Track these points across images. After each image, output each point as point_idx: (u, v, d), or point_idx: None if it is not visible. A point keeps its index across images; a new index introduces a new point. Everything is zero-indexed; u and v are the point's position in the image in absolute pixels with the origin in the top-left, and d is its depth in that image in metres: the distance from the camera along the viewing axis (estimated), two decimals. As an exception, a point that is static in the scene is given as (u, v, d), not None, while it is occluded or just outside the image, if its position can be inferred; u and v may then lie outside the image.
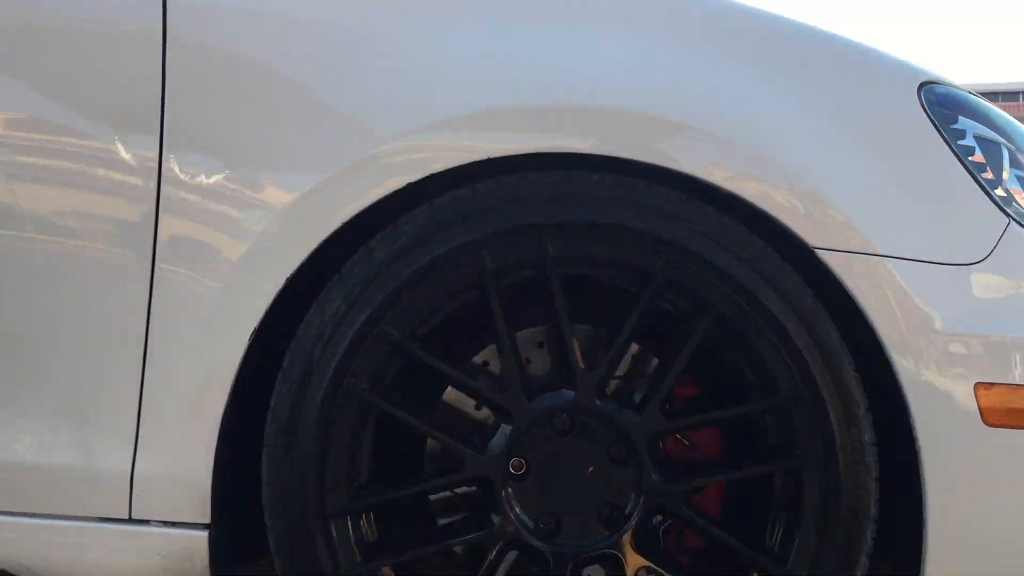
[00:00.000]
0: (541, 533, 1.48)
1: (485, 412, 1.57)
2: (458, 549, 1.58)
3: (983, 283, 1.47)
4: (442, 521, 1.62)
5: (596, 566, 1.52)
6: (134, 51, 1.42)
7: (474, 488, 1.53)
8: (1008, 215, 1.51)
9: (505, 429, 1.46)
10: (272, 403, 1.44)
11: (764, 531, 1.50)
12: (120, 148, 1.42)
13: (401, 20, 1.46)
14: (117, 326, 1.44)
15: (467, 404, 1.60)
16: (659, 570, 1.49)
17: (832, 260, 1.44)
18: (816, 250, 1.44)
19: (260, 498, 1.51)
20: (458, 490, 1.59)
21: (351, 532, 1.46)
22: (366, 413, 1.46)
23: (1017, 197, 1.55)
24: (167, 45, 1.42)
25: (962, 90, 1.66)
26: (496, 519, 1.47)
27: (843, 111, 1.52)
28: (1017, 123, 1.72)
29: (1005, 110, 1.74)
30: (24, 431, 1.46)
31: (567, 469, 1.48)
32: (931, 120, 1.53)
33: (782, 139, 1.46)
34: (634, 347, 1.59)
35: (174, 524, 1.48)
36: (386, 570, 1.48)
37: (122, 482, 1.47)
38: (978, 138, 1.55)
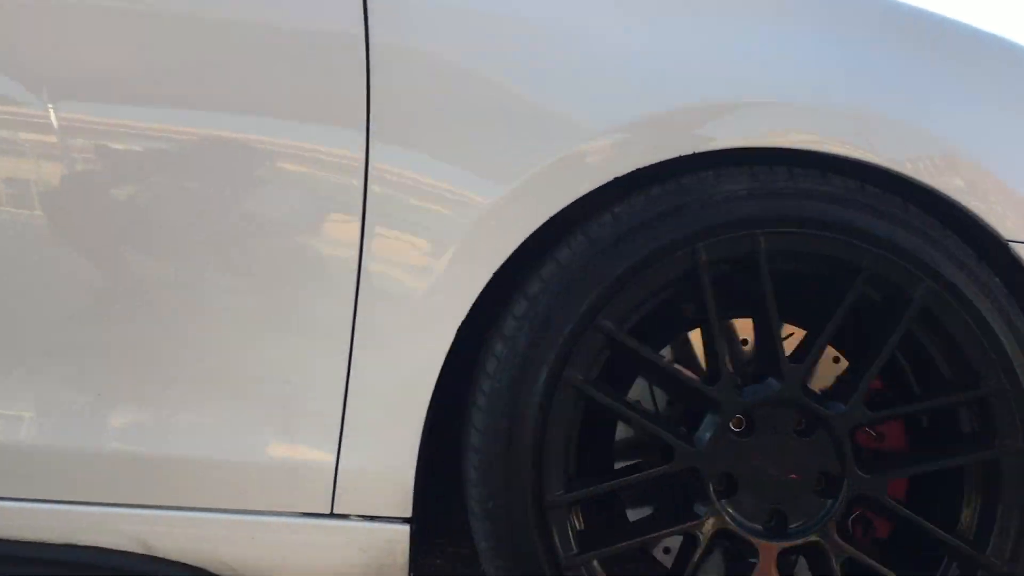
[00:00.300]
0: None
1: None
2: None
3: None
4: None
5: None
6: (338, 54, 1.43)
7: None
8: None
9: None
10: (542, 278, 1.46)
11: (953, 516, 1.54)
12: (327, 149, 1.43)
13: (602, 16, 1.48)
14: (323, 323, 1.45)
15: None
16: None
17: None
18: (1009, 243, 1.48)
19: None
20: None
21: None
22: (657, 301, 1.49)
23: None
24: (370, 48, 1.42)
25: None
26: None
27: (1015, 106, 1.55)
28: None
29: None
30: (229, 428, 1.47)
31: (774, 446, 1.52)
32: None
33: (973, 134, 1.50)
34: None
35: (374, 518, 1.50)
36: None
37: (326, 478, 1.48)
38: None
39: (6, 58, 1.42)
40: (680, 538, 1.58)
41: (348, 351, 1.45)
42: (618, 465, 1.63)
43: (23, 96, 1.42)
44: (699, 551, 1.50)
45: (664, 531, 1.53)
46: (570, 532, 1.49)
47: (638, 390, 1.63)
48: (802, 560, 1.58)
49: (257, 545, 1.51)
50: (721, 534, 1.51)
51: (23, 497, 1.47)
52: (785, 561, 1.54)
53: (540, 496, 1.46)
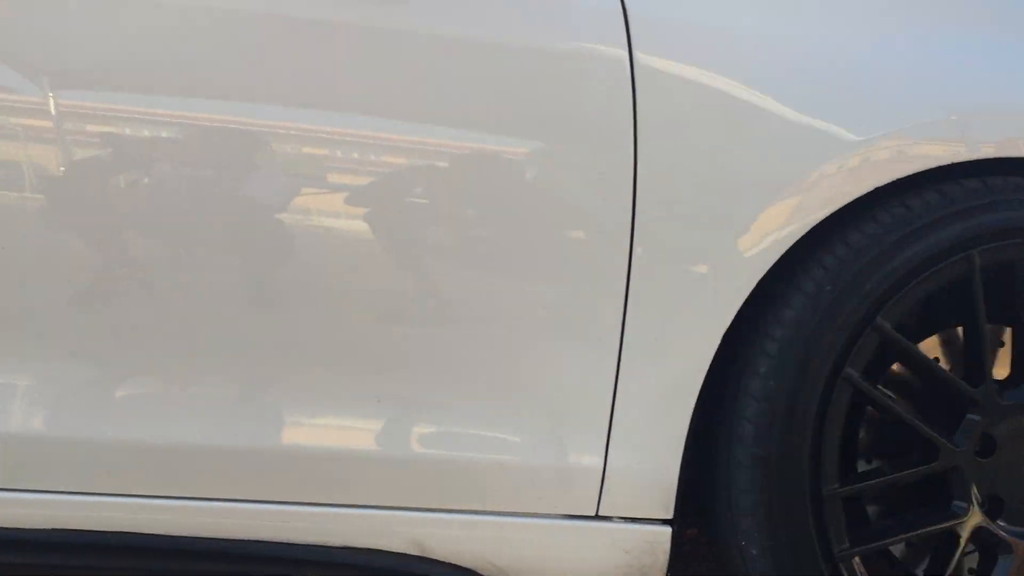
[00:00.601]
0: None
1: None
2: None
3: None
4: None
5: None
6: (605, 74, 1.49)
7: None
8: None
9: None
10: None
11: None
12: (596, 162, 1.50)
13: (860, 30, 1.56)
14: (594, 328, 1.51)
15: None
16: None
17: None
18: None
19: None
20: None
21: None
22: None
23: None
24: (635, 70, 1.49)
25: None
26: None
27: None
28: None
29: None
30: (500, 432, 1.53)
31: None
32: None
33: None
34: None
35: (635, 520, 1.55)
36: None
37: (593, 480, 1.53)
38: None
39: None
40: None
41: (617, 355, 1.51)
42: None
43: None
44: (960, 548, 1.55)
45: (930, 527, 1.58)
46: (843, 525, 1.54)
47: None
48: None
49: (523, 546, 1.56)
50: (978, 532, 1.56)
51: (304, 501, 1.52)
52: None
53: (818, 488, 1.52)
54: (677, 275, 1.50)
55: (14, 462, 1.50)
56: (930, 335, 1.67)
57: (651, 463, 1.53)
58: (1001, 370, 1.64)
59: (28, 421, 1.51)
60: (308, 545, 1.52)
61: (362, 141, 1.49)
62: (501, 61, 1.51)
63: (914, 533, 1.59)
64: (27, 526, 1.51)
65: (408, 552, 1.54)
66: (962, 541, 1.55)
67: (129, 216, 1.48)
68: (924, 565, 1.66)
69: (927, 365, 1.58)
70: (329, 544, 1.53)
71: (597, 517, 1.55)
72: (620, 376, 1.51)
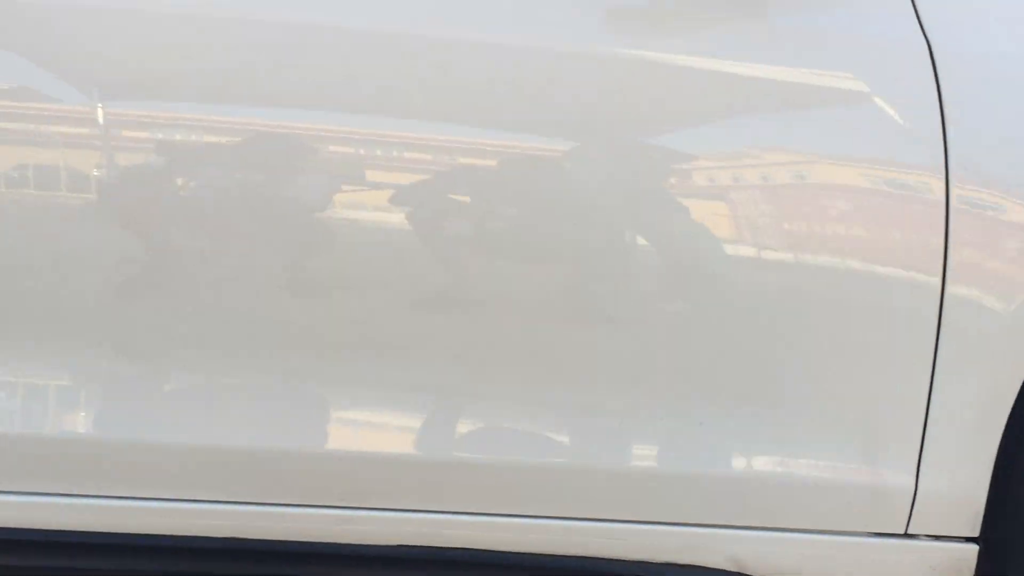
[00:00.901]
0: None
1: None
2: None
3: None
4: None
5: None
6: (914, 108, 1.56)
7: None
8: None
9: None
10: None
11: None
12: (909, 179, 1.56)
13: None
14: (906, 349, 1.56)
15: None
16: None
17: None
18: None
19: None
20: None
21: None
22: None
23: None
24: (944, 110, 1.54)
25: None
26: None
27: None
28: None
29: None
30: (817, 452, 1.59)
31: None
32: None
33: None
34: None
35: (943, 538, 1.60)
36: None
37: (904, 499, 1.58)
38: None
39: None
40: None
41: (930, 376, 1.56)
42: None
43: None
44: None
45: None
46: None
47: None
48: None
49: (833, 563, 1.61)
50: None
51: (632, 519, 1.59)
52: None
53: None
54: (992, 294, 1.55)
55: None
56: None
57: (962, 481, 1.58)
58: None
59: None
60: (634, 561, 1.59)
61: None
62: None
63: None
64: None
65: (726, 568, 1.59)
66: None
67: (174, 215, 1.54)
68: None
69: None
70: (653, 560, 1.59)
71: (905, 535, 1.60)
72: (932, 397, 1.56)
